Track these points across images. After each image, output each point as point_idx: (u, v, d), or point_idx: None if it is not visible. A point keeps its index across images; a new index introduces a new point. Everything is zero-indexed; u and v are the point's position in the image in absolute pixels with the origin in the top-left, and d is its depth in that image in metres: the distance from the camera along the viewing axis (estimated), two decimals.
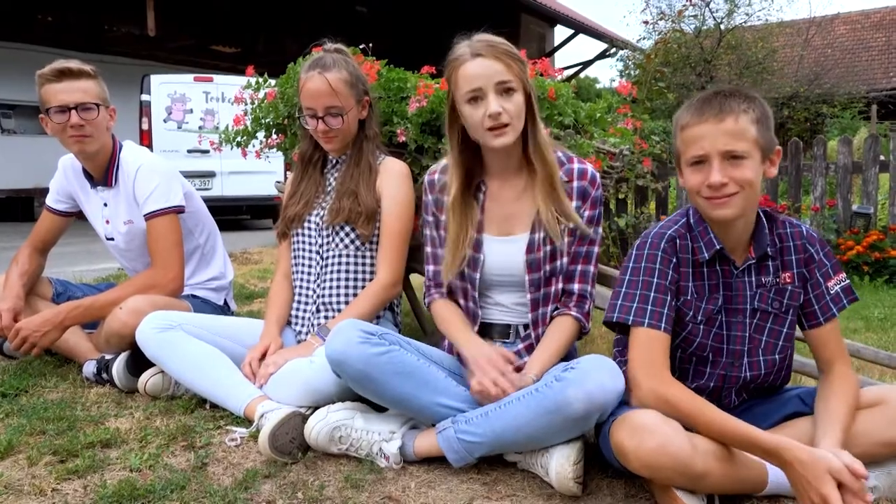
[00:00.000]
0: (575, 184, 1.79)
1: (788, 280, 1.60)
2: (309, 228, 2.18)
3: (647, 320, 1.52)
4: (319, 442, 1.69)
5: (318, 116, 2.05)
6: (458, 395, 1.70)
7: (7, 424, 1.90)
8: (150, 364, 2.09)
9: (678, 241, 1.58)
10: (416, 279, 2.66)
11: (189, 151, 8.01)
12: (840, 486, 1.26)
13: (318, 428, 1.69)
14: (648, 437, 1.37)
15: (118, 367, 2.15)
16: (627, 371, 1.53)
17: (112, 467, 1.66)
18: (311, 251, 2.18)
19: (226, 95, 8.17)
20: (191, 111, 8.17)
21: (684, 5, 12.86)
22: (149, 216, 2.33)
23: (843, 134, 7.17)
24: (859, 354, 2.25)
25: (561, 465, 1.54)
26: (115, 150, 2.40)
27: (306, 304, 2.19)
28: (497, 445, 1.62)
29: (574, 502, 1.55)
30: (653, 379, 1.48)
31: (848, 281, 1.62)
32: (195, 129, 8.10)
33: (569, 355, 1.86)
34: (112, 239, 2.48)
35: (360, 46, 2.46)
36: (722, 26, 13.69)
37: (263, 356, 2.03)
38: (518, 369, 1.76)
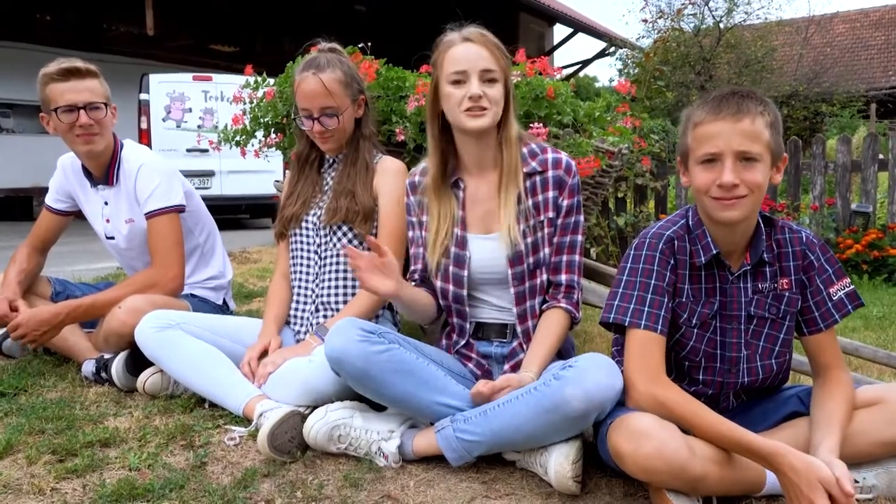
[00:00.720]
0: (550, 173, 1.79)
1: (786, 286, 1.58)
2: (307, 228, 2.18)
3: (643, 322, 1.51)
4: (318, 441, 1.69)
5: (313, 117, 2.05)
6: (457, 393, 1.70)
7: (6, 424, 1.90)
8: (149, 363, 2.09)
9: (676, 242, 1.57)
10: None
11: (188, 150, 8.01)
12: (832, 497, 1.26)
13: (316, 427, 1.69)
14: (645, 441, 1.37)
15: (117, 367, 2.15)
16: (624, 373, 1.53)
17: (111, 466, 1.66)
18: (309, 251, 2.18)
19: (225, 94, 8.17)
20: (190, 110, 8.17)
21: (683, 4, 12.87)
22: (150, 215, 2.33)
23: (842, 133, 7.17)
24: (858, 353, 2.25)
25: (559, 463, 1.54)
26: (117, 148, 2.40)
27: (305, 303, 2.19)
28: (496, 444, 1.62)
29: (573, 501, 1.55)
30: (649, 382, 1.48)
31: (852, 286, 1.59)
32: (194, 128, 8.10)
33: (567, 354, 1.87)
34: (112, 238, 2.48)
35: (359, 45, 2.46)
36: (721, 25, 13.70)
37: (262, 355, 2.03)
38: (515, 368, 1.77)
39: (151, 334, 1.99)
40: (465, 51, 1.71)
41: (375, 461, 1.68)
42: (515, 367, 1.79)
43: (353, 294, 2.12)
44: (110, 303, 2.20)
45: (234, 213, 9.36)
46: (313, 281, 2.17)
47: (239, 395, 1.91)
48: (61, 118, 2.23)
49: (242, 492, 1.53)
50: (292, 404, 1.82)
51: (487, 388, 1.62)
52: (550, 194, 1.78)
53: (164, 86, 8.08)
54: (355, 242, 2.13)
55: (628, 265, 1.58)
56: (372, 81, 2.34)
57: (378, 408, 1.78)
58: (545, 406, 1.52)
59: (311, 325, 2.15)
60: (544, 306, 1.80)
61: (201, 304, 2.46)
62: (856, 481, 1.45)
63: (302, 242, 2.20)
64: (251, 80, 2.62)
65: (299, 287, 2.21)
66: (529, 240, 1.77)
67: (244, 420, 1.88)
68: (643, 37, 14.92)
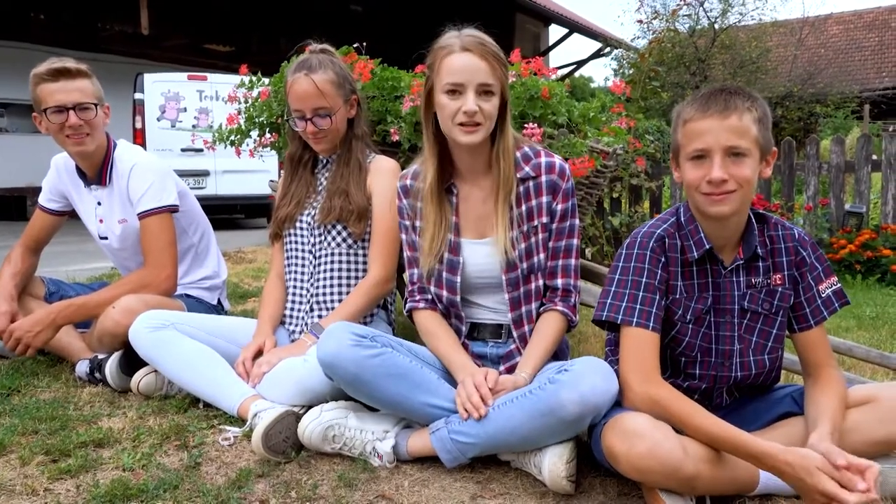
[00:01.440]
0: (543, 178, 1.78)
1: (779, 282, 1.60)
2: (301, 228, 2.18)
3: (635, 319, 1.53)
4: (313, 441, 1.69)
5: (306, 118, 2.05)
6: (451, 396, 1.69)
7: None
8: (143, 363, 2.08)
9: (667, 240, 1.58)
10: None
11: (183, 150, 7.99)
12: None
13: (311, 427, 1.69)
14: (639, 441, 1.37)
15: (111, 367, 2.14)
16: (619, 372, 1.54)
17: (105, 467, 1.66)
18: (303, 250, 2.18)
19: (220, 94, 8.15)
20: (185, 110, 8.15)
21: (678, 5, 12.88)
22: (142, 215, 2.32)
23: (835, 133, 7.21)
24: (851, 353, 2.26)
25: (554, 463, 1.54)
26: (110, 148, 2.39)
27: (300, 303, 2.19)
28: (490, 446, 1.62)
29: (567, 501, 1.55)
30: (643, 381, 1.49)
31: (839, 285, 1.62)
32: (189, 127, 8.08)
33: (562, 356, 1.87)
34: (105, 238, 2.48)
35: (354, 45, 2.46)
36: (716, 26, 13.73)
37: (257, 355, 2.03)
38: (511, 370, 1.77)
39: (146, 334, 1.99)
40: (464, 62, 1.67)
41: (370, 461, 1.68)
42: (511, 369, 1.79)
43: (348, 293, 2.12)
44: (103, 303, 2.19)
45: (228, 213, 9.34)
46: (308, 280, 2.17)
47: (233, 395, 1.90)
48: (51, 119, 2.23)
49: (237, 492, 1.53)
50: (287, 404, 1.82)
51: (478, 398, 1.60)
52: (544, 199, 1.78)
53: (159, 85, 8.06)
54: (349, 241, 2.12)
55: (620, 264, 1.59)
56: (367, 81, 2.33)
57: (373, 408, 1.78)
58: (541, 410, 1.53)
59: (306, 324, 2.15)
60: (541, 309, 1.80)
61: (196, 305, 2.46)
62: None
63: (297, 242, 2.19)
64: (246, 79, 2.61)
65: (294, 287, 2.20)
66: (523, 245, 1.77)
67: (239, 420, 1.88)
68: (638, 37, 14.95)
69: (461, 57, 1.68)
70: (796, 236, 1.61)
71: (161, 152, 7.62)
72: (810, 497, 1.29)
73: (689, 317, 1.59)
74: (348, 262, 2.14)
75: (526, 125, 2.23)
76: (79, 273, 4.23)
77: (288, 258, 2.23)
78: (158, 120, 8.02)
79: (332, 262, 2.14)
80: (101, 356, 2.22)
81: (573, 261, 1.81)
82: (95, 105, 2.28)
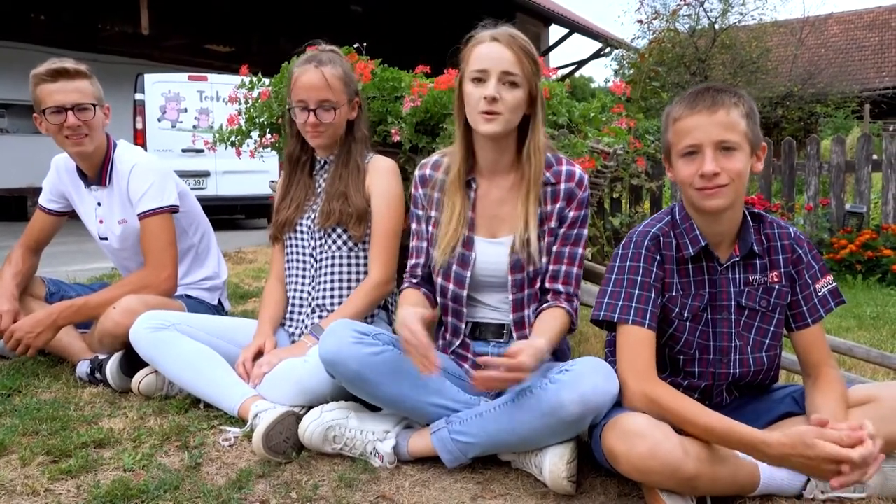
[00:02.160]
0: (562, 186, 1.78)
1: (776, 279, 1.61)
2: (301, 232, 2.18)
3: (631, 317, 1.54)
4: (313, 441, 1.69)
5: (309, 109, 2.05)
6: (453, 395, 1.70)
7: (0, 424, 1.89)
8: (143, 364, 2.08)
9: (662, 238, 1.60)
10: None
11: (183, 151, 7.99)
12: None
13: (311, 427, 1.69)
14: (639, 441, 1.37)
15: (112, 367, 2.14)
16: (617, 372, 1.54)
17: (105, 467, 1.66)
18: (304, 254, 2.18)
19: (220, 95, 8.15)
20: (185, 110, 8.15)
21: (678, 5, 12.90)
22: (143, 215, 2.32)
23: (836, 133, 7.21)
24: (851, 353, 2.26)
25: (554, 463, 1.54)
26: (110, 148, 2.39)
27: (301, 306, 2.19)
28: (491, 446, 1.62)
29: (568, 501, 1.55)
30: (640, 380, 1.49)
31: (835, 283, 1.64)
32: (189, 128, 8.08)
33: (563, 355, 1.87)
34: (106, 239, 2.48)
35: (355, 46, 2.46)
36: (716, 26, 13.74)
37: (257, 356, 2.03)
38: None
39: (146, 335, 1.99)
40: (490, 50, 1.68)
41: (370, 462, 1.68)
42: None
43: (349, 295, 2.12)
44: (103, 303, 2.19)
45: (229, 214, 9.33)
46: (309, 284, 2.17)
47: (234, 395, 1.90)
48: (49, 119, 2.23)
49: (237, 492, 1.53)
50: (287, 404, 1.82)
51: (497, 366, 1.48)
52: (559, 205, 1.77)
53: (160, 86, 8.06)
54: (350, 245, 2.12)
55: (616, 264, 1.61)
56: (367, 82, 2.34)
57: (373, 408, 1.78)
58: (541, 410, 1.53)
59: (307, 327, 2.14)
60: (544, 305, 1.78)
61: (196, 305, 2.46)
62: None
63: (297, 246, 2.19)
64: (247, 80, 2.61)
65: (295, 290, 2.20)
66: (531, 248, 1.76)
67: (239, 420, 1.88)
68: (638, 37, 14.96)
69: (488, 45, 1.69)
70: (792, 235, 1.63)
71: (161, 153, 7.61)
72: (819, 470, 1.29)
73: (686, 314, 1.60)
74: (349, 264, 2.14)
75: None
76: (79, 273, 4.23)
77: (288, 261, 2.23)
78: (159, 120, 8.02)
79: (333, 265, 2.14)
80: (101, 357, 2.22)
81: (576, 269, 1.79)
82: (94, 105, 2.28)
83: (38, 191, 2.58)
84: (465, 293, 1.81)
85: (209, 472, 1.64)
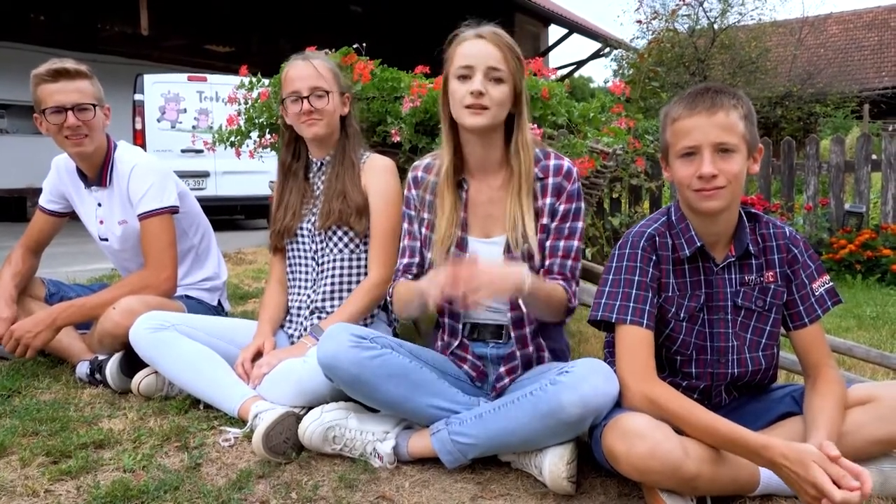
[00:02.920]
0: (550, 180, 1.77)
1: (772, 279, 1.61)
2: (302, 236, 2.18)
3: (629, 317, 1.54)
4: (313, 442, 1.69)
5: (302, 97, 2.05)
6: (452, 396, 1.70)
7: (0, 425, 1.89)
8: (143, 365, 2.08)
9: (657, 238, 1.60)
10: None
11: (183, 151, 7.99)
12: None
13: (311, 428, 1.69)
14: (639, 441, 1.38)
15: (111, 368, 2.14)
16: (616, 372, 1.54)
17: (105, 468, 1.66)
18: (306, 257, 2.18)
19: (220, 95, 8.14)
20: (185, 111, 8.14)
21: (678, 5, 12.89)
22: (143, 216, 2.32)
23: (835, 133, 7.21)
24: (851, 353, 2.26)
25: (554, 464, 1.54)
26: (110, 149, 2.39)
27: (300, 308, 2.19)
28: (491, 447, 1.62)
29: (568, 501, 1.55)
30: (639, 380, 1.49)
31: (832, 283, 1.64)
32: (189, 128, 8.07)
33: (562, 356, 1.87)
34: (106, 239, 2.48)
35: (354, 46, 2.46)
36: (715, 26, 13.75)
37: (256, 357, 2.03)
38: (511, 371, 1.76)
39: (146, 335, 1.99)
40: (475, 47, 1.69)
41: (370, 462, 1.68)
42: (511, 371, 1.79)
43: (348, 296, 2.12)
44: (103, 304, 2.19)
45: (229, 214, 9.33)
46: (311, 287, 2.17)
47: (234, 396, 1.90)
48: (49, 119, 2.23)
49: (237, 493, 1.53)
50: (287, 405, 1.82)
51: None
52: (548, 200, 1.77)
53: (159, 86, 8.06)
54: (352, 245, 2.12)
55: (613, 264, 1.61)
56: (367, 82, 2.34)
57: (373, 409, 1.78)
58: (541, 411, 1.53)
59: (306, 329, 2.15)
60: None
61: (196, 306, 2.46)
62: None
63: (299, 251, 2.19)
64: (246, 80, 2.61)
65: (296, 293, 2.20)
66: (526, 245, 1.75)
67: (239, 421, 1.88)
68: (638, 37, 14.97)
69: (473, 43, 1.70)
70: (787, 234, 1.63)
71: (161, 153, 7.61)
72: (803, 491, 1.29)
73: (682, 314, 1.60)
74: (350, 265, 2.14)
75: None
76: (79, 274, 4.23)
77: (290, 266, 2.23)
78: (158, 121, 8.01)
79: (335, 266, 2.14)
80: (101, 357, 2.22)
81: (571, 261, 1.76)
82: (94, 106, 2.28)
83: (37, 191, 2.57)
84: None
85: (209, 473, 1.64)
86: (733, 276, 1.61)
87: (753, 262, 1.61)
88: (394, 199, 2.12)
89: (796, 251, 1.62)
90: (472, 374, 1.83)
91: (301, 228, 2.17)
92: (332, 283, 2.14)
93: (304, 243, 2.18)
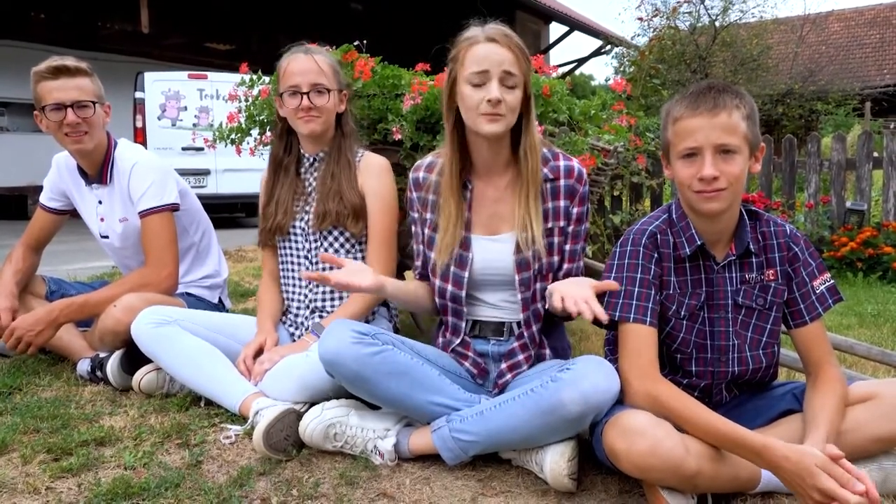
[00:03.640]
0: (562, 182, 1.77)
1: (772, 277, 1.61)
2: (295, 235, 2.16)
3: (632, 315, 1.54)
4: (314, 439, 1.69)
5: (301, 92, 2.03)
6: (453, 393, 1.70)
7: (1, 423, 1.89)
8: (144, 362, 2.08)
9: (659, 236, 1.60)
10: (409, 276, 2.65)
11: (183, 149, 7.99)
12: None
13: (312, 425, 1.69)
14: (640, 439, 1.37)
15: (112, 365, 2.14)
16: (619, 369, 1.54)
17: (106, 465, 1.66)
18: (299, 256, 2.17)
19: (220, 93, 8.15)
20: (185, 108, 8.15)
21: (679, 2, 12.87)
22: (143, 214, 2.32)
23: (837, 131, 7.20)
24: (852, 350, 2.26)
25: (555, 461, 1.54)
26: (111, 147, 2.39)
27: (298, 307, 2.19)
28: (492, 444, 1.62)
29: (569, 498, 1.55)
30: (642, 378, 1.49)
31: (833, 281, 1.63)
32: (189, 126, 8.08)
33: (564, 353, 1.87)
34: (107, 237, 2.48)
35: (355, 43, 2.46)
36: (717, 23, 13.72)
37: (258, 354, 2.02)
38: (513, 367, 1.77)
39: (148, 330, 1.99)
40: (489, 51, 1.66)
41: (371, 459, 1.68)
42: (512, 367, 1.79)
43: (348, 296, 2.12)
44: (104, 301, 2.19)
45: (229, 212, 9.34)
46: (306, 286, 2.17)
47: (235, 392, 1.90)
48: (49, 116, 2.23)
49: (238, 490, 1.53)
50: (289, 401, 1.82)
51: None
52: (562, 203, 1.76)
53: (160, 84, 8.06)
54: (347, 246, 2.12)
55: (615, 262, 1.61)
56: (368, 80, 2.33)
57: (374, 406, 1.78)
58: (542, 408, 1.53)
59: (306, 328, 2.14)
60: None
61: (197, 303, 2.46)
62: None
63: (291, 249, 2.18)
64: (246, 77, 2.61)
65: (291, 292, 2.20)
66: (536, 246, 1.75)
67: (240, 418, 1.88)
68: (639, 35, 14.95)
69: (486, 46, 1.67)
70: (788, 232, 1.62)
71: (162, 151, 7.61)
72: (806, 495, 1.28)
73: (682, 313, 1.60)
74: None
75: None
76: (80, 272, 4.23)
77: (282, 264, 2.21)
78: (159, 119, 8.02)
79: (332, 267, 2.13)
80: (102, 355, 2.22)
81: (575, 264, 1.80)
82: (94, 103, 2.27)
83: (38, 189, 2.57)
84: (463, 293, 1.81)
85: (210, 470, 1.65)
86: (734, 275, 1.60)
87: (754, 260, 1.61)
88: (391, 200, 2.11)
89: (797, 249, 1.61)
90: (474, 372, 1.83)
91: (294, 227, 2.15)
92: None
93: (296, 242, 2.16)
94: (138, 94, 7.94)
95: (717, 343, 1.61)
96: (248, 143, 2.68)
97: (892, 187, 4.98)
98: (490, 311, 1.84)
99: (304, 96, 2.03)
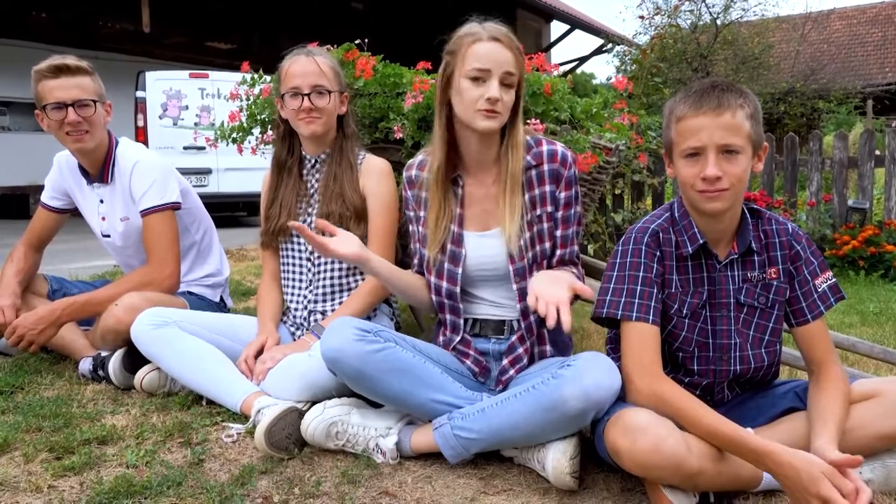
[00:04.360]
0: (546, 167, 1.77)
1: (774, 275, 1.60)
2: (297, 237, 2.16)
3: (635, 313, 1.53)
4: (316, 438, 1.69)
5: (303, 94, 2.04)
6: (455, 391, 1.70)
7: (3, 422, 1.89)
8: (146, 361, 2.09)
9: (661, 234, 1.59)
10: None
11: (185, 148, 8.00)
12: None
13: (314, 424, 1.69)
14: (642, 437, 1.37)
15: (114, 364, 2.14)
16: (621, 368, 1.54)
17: (108, 464, 1.66)
18: (301, 258, 2.17)
19: (221, 92, 8.15)
20: (186, 108, 8.15)
21: (680, 0, 12.86)
22: (145, 213, 2.32)
23: (838, 129, 7.18)
24: (855, 349, 2.26)
25: (557, 459, 1.54)
26: (112, 146, 2.39)
27: (297, 309, 2.19)
28: (493, 442, 1.62)
29: (570, 497, 1.55)
30: (647, 376, 1.49)
31: (834, 279, 1.62)
32: (191, 125, 8.08)
33: (565, 350, 1.87)
34: (108, 236, 2.48)
35: (356, 42, 2.45)
36: (718, 21, 13.69)
37: (259, 354, 2.02)
38: (514, 362, 1.77)
39: (147, 332, 1.99)
40: (492, 50, 1.67)
41: (373, 458, 1.68)
42: (514, 361, 1.79)
43: (348, 296, 2.12)
44: (105, 300, 2.20)
45: (231, 211, 9.34)
46: (307, 288, 2.17)
47: (236, 391, 1.91)
48: (50, 115, 2.23)
49: (240, 488, 1.53)
50: (292, 399, 1.82)
51: None
52: (547, 188, 1.77)
53: (161, 83, 8.06)
54: None
55: (617, 261, 1.60)
56: (369, 78, 2.33)
57: (376, 404, 1.78)
58: (544, 405, 1.53)
59: (306, 327, 2.14)
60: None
61: (199, 302, 2.46)
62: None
63: (293, 251, 2.18)
64: (248, 76, 2.61)
65: (292, 294, 2.20)
66: (528, 235, 1.76)
67: (242, 417, 1.88)
68: (640, 33, 14.89)
69: (489, 44, 1.68)
70: (790, 231, 1.62)
71: (163, 150, 7.61)
72: (805, 502, 1.28)
73: (684, 311, 1.59)
74: (348, 267, 2.14)
75: (528, 121, 2.23)
76: (81, 271, 4.24)
77: (284, 265, 2.22)
78: (160, 118, 8.02)
79: (332, 268, 2.13)
80: (104, 353, 2.22)
81: (576, 247, 1.81)
82: (95, 102, 2.27)
83: (40, 188, 2.58)
84: (457, 289, 1.81)
85: (212, 469, 1.65)
86: (736, 273, 1.60)
87: (756, 258, 1.60)
88: (391, 202, 2.11)
89: (799, 247, 1.61)
90: (475, 370, 1.83)
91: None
92: (331, 285, 2.13)
93: (299, 244, 2.17)
94: (139, 94, 7.94)
95: (718, 342, 1.61)
96: (249, 142, 2.68)
97: (894, 185, 4.97)
98: (490, 310, 1.84)
99: (305, 98, 2.03)
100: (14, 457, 1.69)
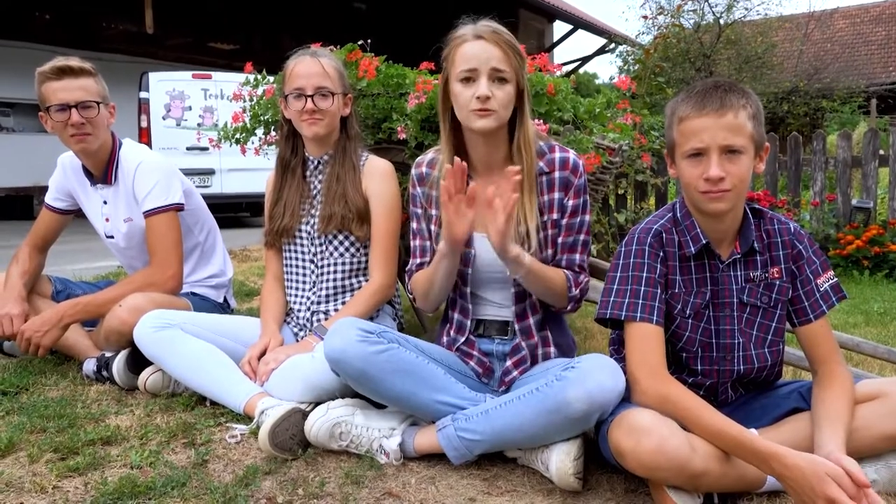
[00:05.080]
0: (557, 174, 1.76)
1: (777, 275, 1.60)
2: (301, 238, 2.16)
3: (639, 314, 1.53)
4: (319, 438, 1.70)
5: (306, 95, 2.04)
6: (458, 392, 1.70)
7: (8, 422, 1.90)
8: (149, 362, 2.09)
9: (664, 235, 1.59)
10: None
11: (188, 149, 8.01)
12: None
13: (318, 424, 1.69)
14: (646, 437, 1.37)
15: (118, 365, 2.15)
16: (626, 369, 1.54)
17: (113, 464, 1.66)
18: (304, 259, 2.17)
19: (224, 92, 8.16)
20: (189, 108, 8.16)
21: (683, 0, 12.85)
22: (148, 214, 2.33)
23: (842, 128, 7.17)
24: (859, 349, 2.25)
25: (561, 460, 1.54)
26: (115, 147, 2.39)
27: (299, 310, 2.19)
28: (497, 443, 1.62)
29: (574, 498, 1.55)
30: (652, 377, 1.48)
31: (836, 279, 1.63)
32: (194, 126, 8.09)
33: (569, 351, 1.87)
34: (112, 237, 2.48)
35: (359, 42, 2.46)
36: (721, 21, 13.69)
37: (262, 354, 2.03)
38: (518, 363, 1.76)
39: (150, 334, 1.99)
40: (476, 49, 1.67)
41: (377, 458, 1.68)
42: (518, 363, 1.79)
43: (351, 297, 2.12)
44: (109, 301, 2.20)
45: (234, 212, 9.35)
46: (310, 289, 2.17)
47: (240, 393, 1.91)
48: (54, 117, 2.24)
49: (244, 489, 1.54)
50: (295, 401, 1.82)
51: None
52: (556, 195, 1.76)
53: (164, 84, 8.07)
54: (353, 250, 2.12)
55: (620, 262, 1.60)
56: (372, 79, 2.33)
57: (379, 405, 1.78)
58: (547, 407, 1.53)
59: (308, 330, 2.14)
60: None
61: (202, 303, 2.47)
62: None
63: (296, 251, 2.18)
64: (251, 77, 2.61)
65: (295, 294, 2.20)
66: (531, 239, 1.76)
67: (245, 418, 1.88)
68: (643, 33, 14.91)
69: (473, 44, 1.68)
70: (792, 230, 1.62)
71: (166, 151, 7.62)
72: (809, 501, 1.27)
73: (688, 311, 1.59)
74: (351, 268, 2.14)
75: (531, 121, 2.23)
76: (85, 272, 4.25)
77: (287, 266, 2.22)
78: (163, 119, 8.03)
79: (335, 269, 2.13)
80: (108, 354, 2.23)
81: (579, 255, 1.78)
82: (98, 103, 2.28)
83: (44, 189, 2.58)
84: (468, 290, 1.81)
85: (216, 469, 1.65)
86: (738, 273, 1.60)
87: (758, 258, 1.60)
88: (394, 204, 2.11)
89: (801, 247, 1.61)
90: (479, 371, 1.83)
91: (300, 230, 2.16)
92: (334, 286, 2.14)
93: (302, 245, 2.17)
94: (143, 94, 7.96)
95: (722, 341, 1.61)
96: (252, 143, 2.68)
97: None
98: (495, 311, 1.84)
99: (308, 99, 2.03)
100: (19, 457, 1.70)
